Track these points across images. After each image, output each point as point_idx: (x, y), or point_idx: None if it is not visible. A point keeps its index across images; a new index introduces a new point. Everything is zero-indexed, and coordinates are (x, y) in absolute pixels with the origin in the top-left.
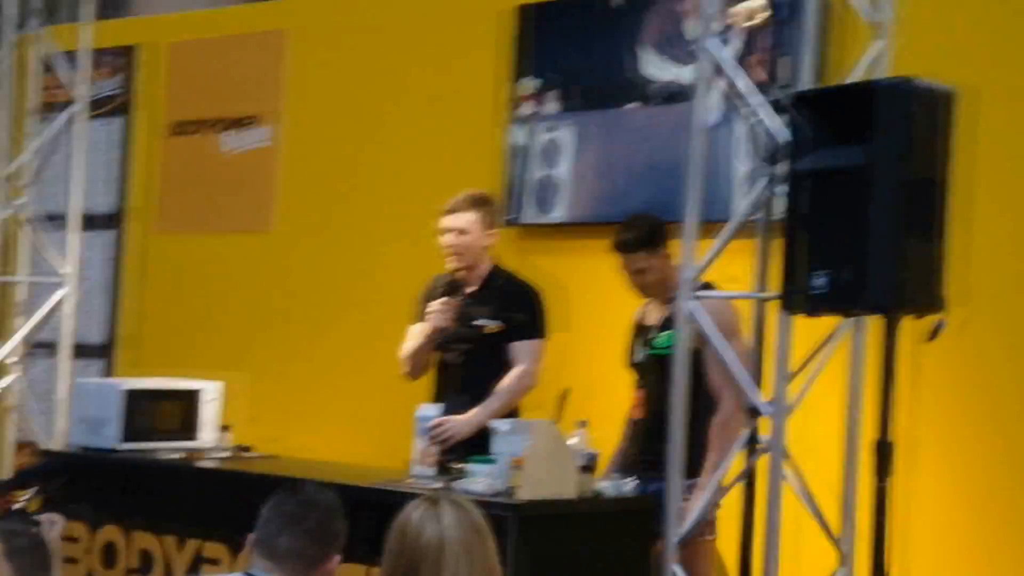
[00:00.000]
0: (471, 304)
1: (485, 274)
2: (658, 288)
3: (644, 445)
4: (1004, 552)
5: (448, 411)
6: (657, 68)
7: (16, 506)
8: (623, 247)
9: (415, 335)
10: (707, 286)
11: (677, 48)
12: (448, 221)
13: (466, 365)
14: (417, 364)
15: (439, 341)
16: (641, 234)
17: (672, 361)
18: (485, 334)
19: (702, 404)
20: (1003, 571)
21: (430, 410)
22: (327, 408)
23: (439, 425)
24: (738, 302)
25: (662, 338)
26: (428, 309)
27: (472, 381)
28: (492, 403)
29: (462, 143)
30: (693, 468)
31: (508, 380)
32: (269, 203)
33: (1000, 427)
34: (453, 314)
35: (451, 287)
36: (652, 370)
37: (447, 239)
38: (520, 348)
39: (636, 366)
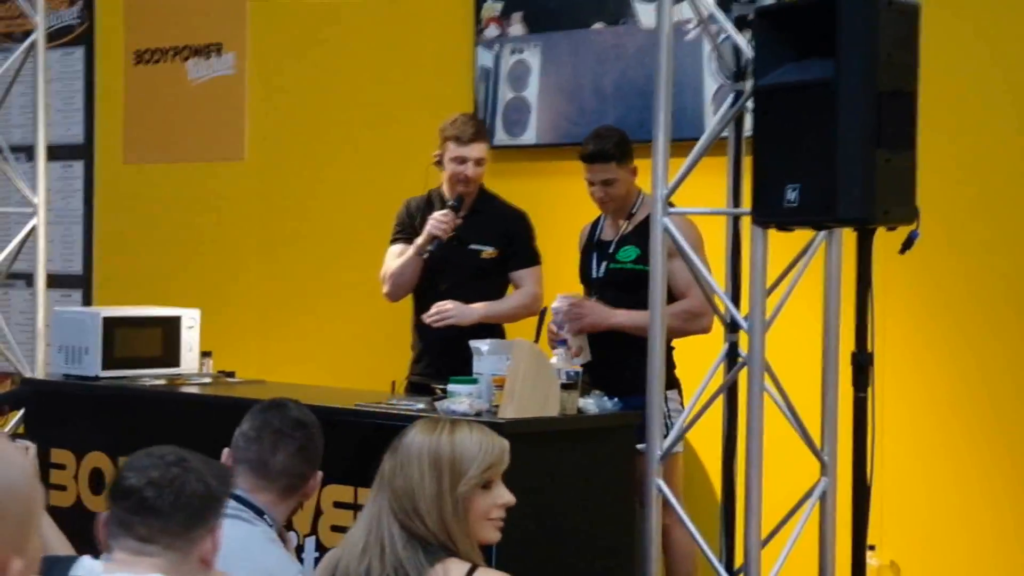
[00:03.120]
0: (465, 228)
1: (473, 197)
2: (620, 202)
3: (608, 358)
4: (972, 459)
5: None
6: None
7: None
8: (598, 157)
9: (395, 256)
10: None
11: None
12: (467, 151)
13: (457, 293)
14: (402, 282)
15: (428, 253)
16: (614, 144)
17: (635, 275)
18: (482, 258)
19: None
20: (970, 481)
21: (562, 302)
22: (306, 334)
23: (439, 311)
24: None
25: (624, 253)
26: (431, 219)
27: None
28: (503, 302)
29: (431, 66)
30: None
31: (520, 294)
32: (240, 131)
33: (963, 340)
34: (451, 228)
35: (451, 208)
36: (613, 285)
37: (469, 170)
38: (526, 275)
39: (595, 281)
